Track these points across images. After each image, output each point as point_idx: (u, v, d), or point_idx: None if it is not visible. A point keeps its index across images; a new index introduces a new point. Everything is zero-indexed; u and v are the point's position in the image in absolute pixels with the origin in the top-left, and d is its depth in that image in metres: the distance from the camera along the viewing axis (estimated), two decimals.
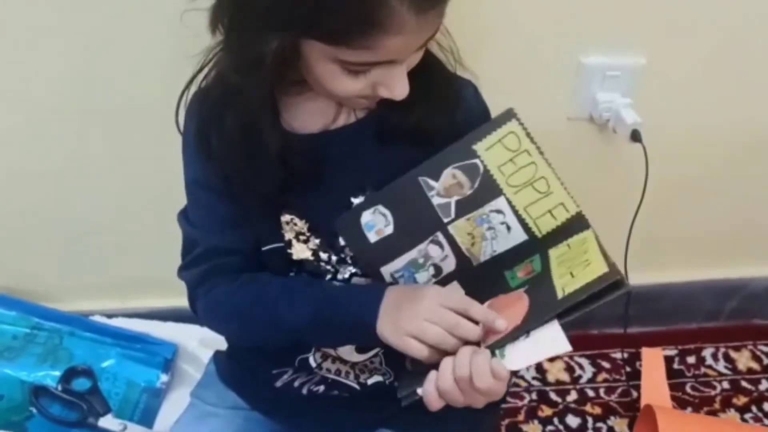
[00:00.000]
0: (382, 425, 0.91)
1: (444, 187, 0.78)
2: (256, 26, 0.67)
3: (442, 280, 0.81)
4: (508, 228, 0.80)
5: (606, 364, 1.54)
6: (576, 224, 0.80)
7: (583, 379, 1.51)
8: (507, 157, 0.78)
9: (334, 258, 0.85)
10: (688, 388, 1.50)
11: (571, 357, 1.55)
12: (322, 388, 0.93)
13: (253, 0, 0.67)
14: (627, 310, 1.41)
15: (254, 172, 0.78)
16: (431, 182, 0.78)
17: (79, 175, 1.19)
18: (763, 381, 1.52)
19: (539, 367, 1.53)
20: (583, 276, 0.71)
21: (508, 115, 0.78)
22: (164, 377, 1.33)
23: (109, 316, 1.42)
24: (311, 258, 0.85)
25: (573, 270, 0.73)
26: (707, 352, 1.57)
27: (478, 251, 0.80)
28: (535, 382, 1.50)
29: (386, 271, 0.81)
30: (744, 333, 1.61)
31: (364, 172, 0.82)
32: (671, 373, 1.51)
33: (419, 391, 0.72)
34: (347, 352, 0.89)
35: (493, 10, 1.10)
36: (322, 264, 0.85)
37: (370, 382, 0.92)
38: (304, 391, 0.93)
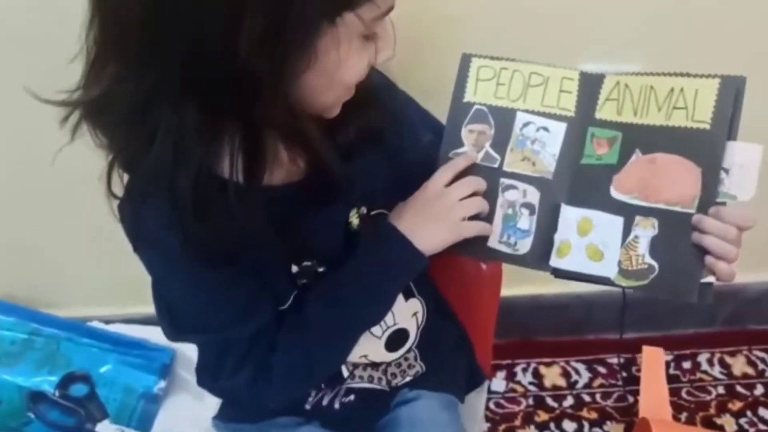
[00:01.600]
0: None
1: (472, 144, 0.81)
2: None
3: (541, 211, 0.80)
4: (546, 129, 0.81)
5: (602, 370, 1.55)
6: (588, 79, 0.81)
7: (580, 385, 1.52)
8: (493, 84, 0.82)
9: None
10: (683, 393, 1.51)
11: (567, 362, 1.56)
12: (352, 397, 0.93)
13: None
14: (623, 315, 1.41)
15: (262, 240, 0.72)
16: (460, 150, 0.82)
17: (75, 182, 1.20)
18: (758, 386, 1.53)
19: (536, 372, 1.54)
20: (689, 85, 0.74)
21: (466, 59, 0.83)
22: (162, 383, 1.34)
23: (107, 321, 1.43)
24: None
25: (659, 102, 0.75)
26: (702, 358, 1.59)
27: (543, 166, 0.81)
28: (531, 387, 1.52)
29: (492, 241, 0.81)
30: (739, 338, 1.62)
31: (357, 184, 0.79)
32: (668, 379, 1.52)
33: (711, 278, 0.73)
34: (379, 353, 0.90)
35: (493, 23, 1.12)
36: None
37: (401, 383, 0.94)
38: (337, 405, 0.93)
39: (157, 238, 0.71)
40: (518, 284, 1.53)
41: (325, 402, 0.92)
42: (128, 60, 0.61)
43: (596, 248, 0.76)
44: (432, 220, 0.76)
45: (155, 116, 0.62)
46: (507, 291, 1.50)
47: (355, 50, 0.65)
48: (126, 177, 0.72)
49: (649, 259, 0.73)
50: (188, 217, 0.66)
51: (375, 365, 0.91)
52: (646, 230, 0.74)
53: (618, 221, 0.76)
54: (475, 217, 0.78)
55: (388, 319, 0.87)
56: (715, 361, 1.58)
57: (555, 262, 0.78)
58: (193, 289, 0.75)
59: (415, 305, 0.91)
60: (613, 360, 1.55)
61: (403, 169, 0.83)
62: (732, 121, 0.72)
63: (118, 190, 0.72)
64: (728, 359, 1.58)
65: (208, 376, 0.80)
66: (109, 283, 1.43)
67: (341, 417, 0.93)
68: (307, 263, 0.80)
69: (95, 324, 1.42)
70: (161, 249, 0.72)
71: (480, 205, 0.78)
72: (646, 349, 1.51)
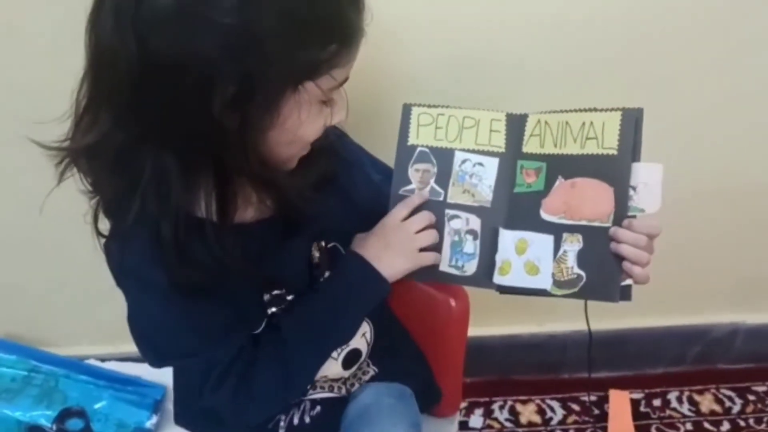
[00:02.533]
0: None
1: (418, 181, 0.93)
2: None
3: (483, 235, 0.92)
4: (481, 164, 0.92)
5: (576, 407, 1.62)
6: (514, 120, 0.92)
7: (554, 421, 1.59)
8: (433, 128, 0.93)
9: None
10: (653, 430, 1.57)
11: (542, 400, 1.63)
12: (319, 409, 1.00)
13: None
14: (590, 354, 1.48)
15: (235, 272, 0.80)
16: (408, 188, 0.93)
17: (74, 226, 1.27)
18: (725, 422, 1.59)
19: (512, 410, 1.60)
20: (597, 118, 0.86)
21: (407, 108, 0.94)
22: (154, 418, 1.39)
23: (103, 359, 1.50)
24: None
25: (574, 135, 0.87)
26: (672, 395, 1.65)
27: (481, 196, 0.92)
28: (508, 424, 1.58)
29: (443, 266, 0.93)
30: (707, 377, 1.69)
31: (318, 220, 0.89)
32: (638, 416, 1.59)
33: (629, 281, 0.85)
34: (337, 372, 0.99)
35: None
36: None
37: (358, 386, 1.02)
38: (307, 420, 0.99)
39: (140, 272, 0.78)
40: (494, 324, 1.61)
41: (296, 421, 0.99)
42: (117, 115, 0.70)
43: (533, 264, 0.87)
44: (392, 250, 0.88)
45: (139, 163, 0.71)
46: (484, 331, 1.60)
47: (313, 113, 0.75)
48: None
49: (577, 270, 0.85)
50: (169, 252, 0.74)
51: (335, 379, 1.00)
52: (572, 245, 0.85)
53: (549, 239, 0.87)
54: (428, 248, 0.90)
55: None
56: (684, 398, 1.64)
57: (498, 279, 0.90)
58: (176, 318, 0.81)
59: (363, 327, 1.01)
60: (586, 398, 1.61)
61: (355, 206, 0.94)
62: (635, 146, 0.84)
63: (105, 228, 0.82)
64: (697, 397, 1.65)
65: (203, 393, 0.85)
66: (104, 323, 1.49)
67: (313, 429, 1.00)
68: (277, 291, 0.89)
69: (91, 362, 1.49)
70: (144, 282, 0.79)
71: (433, 237, 0.91)
72: (612, 392, 1.60)
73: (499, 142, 0.92)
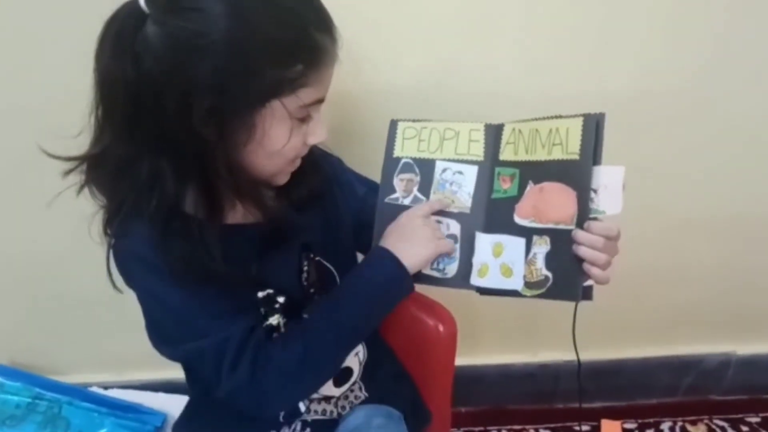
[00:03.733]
0: None
1: (402, 190, 0.99)
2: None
3: (463, 240, 0.96)
4: (461, 173, 0.98)
5: None
6: (491, 129, 0.97)
7: None
8: (416, 141, 1.00)
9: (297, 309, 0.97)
10: None
11: (536, 430, 1.65)
12: (309, 430, 1.01)
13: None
14: (579, 384, 1.50)
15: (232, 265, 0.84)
16: (393, 195, 0.99)
17: (79, 257, 1.27)
18: None
19: None
20: (562, 125, 0.89)
21: (394, 123, 1.01)
22: None
23: (106, 387, 1.55)
24: (284, 320, 0.96)
25: (543, 141, 0.91)
26: (665, 426, 1.67)
27: (461, 203, 0.97)
28: None
29: (425, 270, 0.97)
30: (700, 408, 1.71)
31: (306, 233, 0.96)
32: None
33: (591, 281, 0.86)
34: (329, 388, 1.01)
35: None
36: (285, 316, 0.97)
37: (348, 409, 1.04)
38: None
39: (146, 260, 0.83)
40: (488, 353, 1.64)
41: None
42: (116, 132, 0.79)
43: (507, 266, 0.91)
44: (416, 240, 0.93)
45: (137, 169, 0.79)
46: (478, 360, 1.63)
47: (287, 130, 0.81)
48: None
49: (545, 271, 0.88)
50: (164, 247, 0.81)
51: (327, 399, 1.02)
52: (541, 247, 0.89)
53: (521, 242, 0.91)
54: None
55: None
56: (677, 429, 1.65)
57: (476, 281, 0.94)
58: (183, 299, 0.83)
59: (357, 347, 1.04)
60: (578, 428, 1.63)
61: (341, 222, 1.00)
62: (596, 149, 0.86)
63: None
64: (690, 428, 1.66)
65: (212, 385, 0.85)
66: (108, 351, 1.54)
67: None
68: (269, 291, 0.93)
69: (94, 389, 1.53)
70: (151, 266, 0.83)
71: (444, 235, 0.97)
72: (604, 422, 1.62)
73: (478, 151, 0.98)
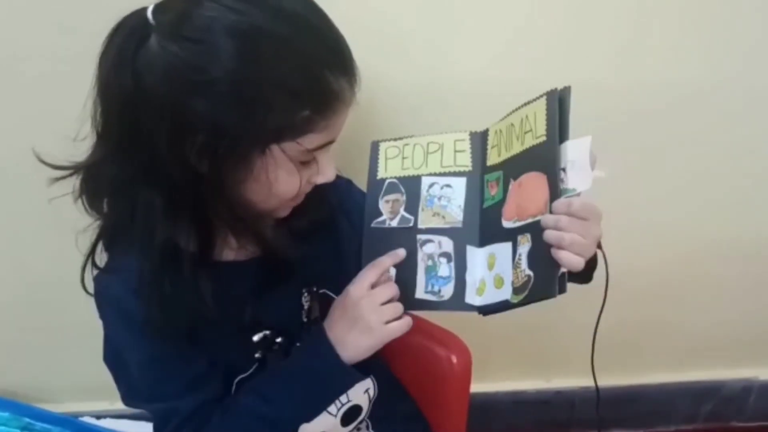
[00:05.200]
0: None
1: (388, 211, 0.93)
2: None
3: (457, 257, 0.89)
4: (449, 186, 0.92)
5: None
6: (477, 137, 0.93)
7: None
8: (399, 159, 0.95)
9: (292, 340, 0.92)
10: None
11: None
12: None
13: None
14: (598, 411, 1.45)
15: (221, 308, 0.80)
16: (379, 219, 0.93)
17: (71, 284, 1.27)
18: None
19: None
20: (530, 111, 0.84)
21: (375, 145, 0.97)
22: None
23: (99, 416, 1.48)
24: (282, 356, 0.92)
25: (517, 133, 0.86)
26: None
27: (452, 217, 0.91)
28: None
29: (419, 293, 0.90)
30: None
31: (309, 265, 0.89)
32: None
33: (562, 270, 0.75)
34: (336, 428, 0.95)
35: None
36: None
37: None
38: None
39: (121, 304, 0.80)
40: (500, 380, 1.58)
41: None
42: (111, 147, 0.74)
43: (499, 277, 0.84)
44: (358, 328, 0.84)
45: (130, 197, 0.75)
46: (489, 387, 1.57)
47: (287, 172, 0.75)
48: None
49: (528, 271, 0.79)
50: (150, 288, 0.77)
51: None
52: (524, 246, 0.80)
53: (508, 246, 0.83)
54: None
55: (343, 398, 0.93)
56: None
57: (475, 300, 0.86)
58: (146, 360, 0.82)
59: (367, 383, 0.97)
60: None
61: (345, 247, 0.94)
62: (561, 126, 0.79)
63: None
64: None
65: None
66: (100, 380, 1.47)
67: None
68: (265, 332, 0.88)
69: (87, 419, 1.46)
70: (124, 314, 0.80)
71: (398, 310, 0.85)
72: None
73: (465, 161, 0.92)
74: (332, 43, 0.73)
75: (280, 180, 0.75)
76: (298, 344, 0.91)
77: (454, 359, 1.06)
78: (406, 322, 0.85)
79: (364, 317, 0.84)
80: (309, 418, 0.90)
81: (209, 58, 0.66)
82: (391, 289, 0.86)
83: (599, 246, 0.81)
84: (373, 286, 0.86)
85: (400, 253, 0.89)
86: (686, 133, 1.30)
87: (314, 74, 0.70)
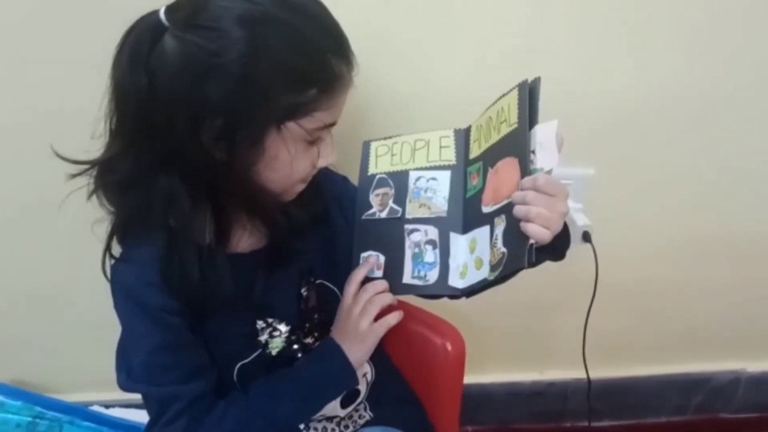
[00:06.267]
0: None
1: (378, 204, 1.00)
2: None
3: (442, 244, 0.95)
4: (435, 179, 0.98)
5: None
6: (460, 134, 1.00)
7: None
8: (389, 156, 1.02)
9: (299, 334, 0.97)
10: None
11: None
12: None
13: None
14: (589, 402, 1.49)
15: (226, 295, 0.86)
16: (370, 212, 0.99)
17: (82, 277, 1.26)
18: None
19: None
20: (505, 102, 0.90)
21: (367, 144, 1.04)
22: None
23: (107, 406, 1.52)
24: (285, 345, 0.97)
25: (494, 124, 0.92)
26: None
27: (437, 208, 0.97)
28: None
29: (406, 278, 0.96)
30: (711, 427, 1.69)
31: (306, 257, 0.96)
32: None
33: (531, 241, 0.79)
34: (334, 410, 1.00)
35: None
36: (293, 346, 0.97)
37: (352, 429, 1.03)
38: None
39: (134, 293, 0.85)
40: (495, 372, 1.62)
41: None
42: (127, 142, 0.79)
43: (479, 259, 0.89)
44: (350, 338, 0.95)
45: (147, 186, 0.80)
46: (484, 378, 1.61)
47: (299, 152, 0.81)
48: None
49: (503, 249, 0.85)
50: (171, 272, 0.83)
51: (330, 419, 1.01)
52: (500, 227, 0.86)
53: (486, 230, 0.89)
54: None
55: None
56: None
57: (458, 282, 0.92)
58: (155, 345, 0.86)
59: (365, 367, 1.04)
60: None
61: (340, 240, 1.00)
62: (531, 113, 0.85)
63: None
64: None
65: (156, 424, 0.90)
66: (109, 370, 1.51)
67: None
68: (269, 319, 0.94)
69: (96, 408, 1.51)
70: (136, 302, 0.85)
71: (379, 304, 0.95)
72: None
73: (450, 156, 0.99)
74: (333, 31, 0.80)
75: (290, 160, 0.80)
76: (297, 331, 0.97)
77: (449, 347, 1.11)
78: (394, 317, 0.95)
79: (357, 328, 0.94)
80: (306, 417, 0.98)
81: (223, 43, 0.71)
82: (369, 292, 0.95)
83: (565, 225, 0.85)
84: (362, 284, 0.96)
85: (371, 260, 0.97)
86: (677, 126, 1.33)
87: (319, 57, 0.77)
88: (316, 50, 0.77)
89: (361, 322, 0.93)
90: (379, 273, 0.97)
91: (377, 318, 0.95)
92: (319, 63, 0.77)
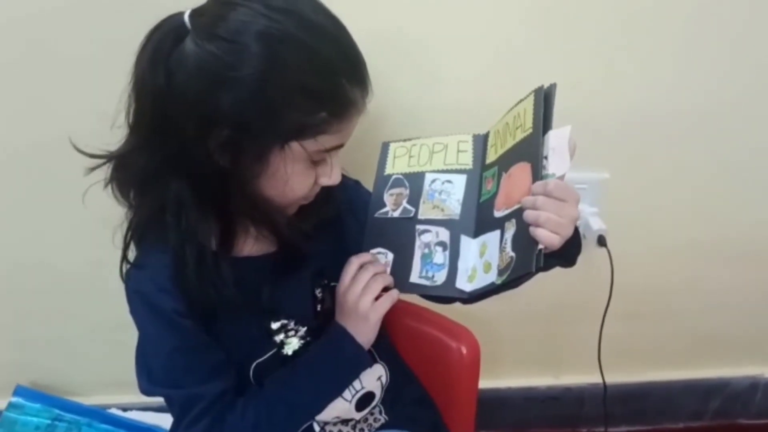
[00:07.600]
0: None
1: (392, 203, 1.00)
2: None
3: (452, 246, 0.95)
4: (450, 182, 0.99)
5: None
6: (479, 139, 1.00)
7: None
8: (406, 158, 1.03)
9: (315, 335, 0.98)
10: None
11: None
12: None
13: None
14: (605, 406, 1.49)
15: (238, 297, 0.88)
16: (382, 210, 1.01)
17: (99, 279, 1.30)
18: None
19: None
20: (521, 108, 0.90)
21: (385, 145, 1.06)
22: None
23: (125, 409, 1.54)
24: (301, 345, 0.97)
25: (511, 130, 0.92)
26: None
27: (450, 210, 0.97)
28: None
29: (414, 277, 0.96)
30: None
31: (318, 260, 0.96)
32: None
33: (539, 246, 0.79)
34: (350, 413, 1.01)
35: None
36: (309, 346, 0.98)
37: None
38: None
39: (150, 298, 0.86)
40: (510, 376, 1.62)
41: None
42: (141, 142, 0.81)
43: (488, 263, 0.89)
44: (352, 319, 0.94)
45: (160, 189, 0.82)
46: (500, 383, 1.61)
47: (300, 170, 0.82)
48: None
49: (511, 253, 0.84)
50: (182, 277, 0.84)
51: (345, 422, 1.01)
52: (510, 231, 0.86)
53: (497, 234, 0.89)
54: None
55: (356, 384, 0.99)
56: None
57: (465, 286, 0.92)
58: (173, 347, 0.87)
59: (379, 370, 1.04)
60: None
61: (352, 243, 1.00)
62: (545, 118, 0.85)
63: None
64: None
65: (180, 425, 0.90)
66: (127, 373, 1.52)
67: None
68: (284, 321, 0.95)
69: (114, 411, 1.52)
70: (151, 308, 0.86)
71: (382, 282, 0.95)
72: None
73: (467, 160, 0.99)
74: (351, 56, 0.79)
75: (294, 177, 0.82)
76: (313, 331, 0.97)
77: (464, 350, 1.11)
78: (390, 296, 0.94)
79: (358, 307, 0.93)
80: (326, 402, 0.96)
81: (240, 56, 0.72)
82: (370, 271, 0.94)
83: (576, 230, 0.85)
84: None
85: (364, 257, 0.97)
86: (691, 134, 1.33)
87: (333, 81, 0.77)
88: (331, 74, 0.77)
89: (362, 301, 0.93)
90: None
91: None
92: (333, 87, 0.77)
